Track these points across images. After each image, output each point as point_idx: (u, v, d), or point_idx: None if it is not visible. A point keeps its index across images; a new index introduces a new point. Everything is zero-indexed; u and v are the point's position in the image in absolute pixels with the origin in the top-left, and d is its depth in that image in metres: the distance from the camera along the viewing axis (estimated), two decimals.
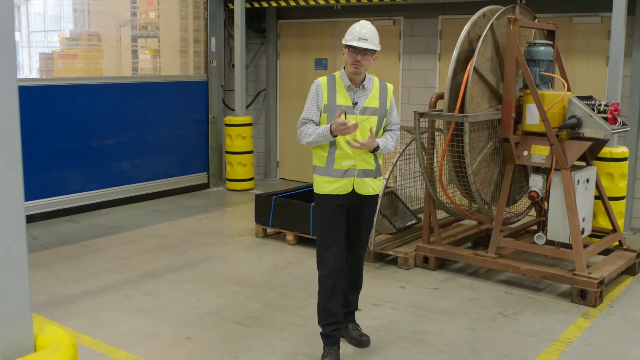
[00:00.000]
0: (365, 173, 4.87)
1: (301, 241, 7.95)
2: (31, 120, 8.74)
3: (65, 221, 9.09)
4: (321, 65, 11.44)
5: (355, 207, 4.96)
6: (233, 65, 11.58)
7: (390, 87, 5.05)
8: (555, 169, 6.47)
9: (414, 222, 8.02)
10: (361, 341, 5.28)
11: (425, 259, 7.14)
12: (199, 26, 11.30)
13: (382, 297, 6.34)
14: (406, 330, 5.59)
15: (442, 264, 7.21)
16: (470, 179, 6.54)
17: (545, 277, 6.47)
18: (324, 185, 4.88)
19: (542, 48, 6.82)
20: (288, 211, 7.94)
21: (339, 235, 4.93)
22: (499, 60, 6.86)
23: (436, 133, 7.12)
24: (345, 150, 4.78)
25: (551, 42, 7.01)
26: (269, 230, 8.26)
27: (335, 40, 11.28)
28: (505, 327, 5.68)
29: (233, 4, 11.09)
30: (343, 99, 4.82)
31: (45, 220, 9.01)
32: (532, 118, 6.67)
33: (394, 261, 7.32)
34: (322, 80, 4.90)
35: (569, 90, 6.82)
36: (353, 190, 4.86)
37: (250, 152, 11.24)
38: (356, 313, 5.67)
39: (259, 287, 6.52)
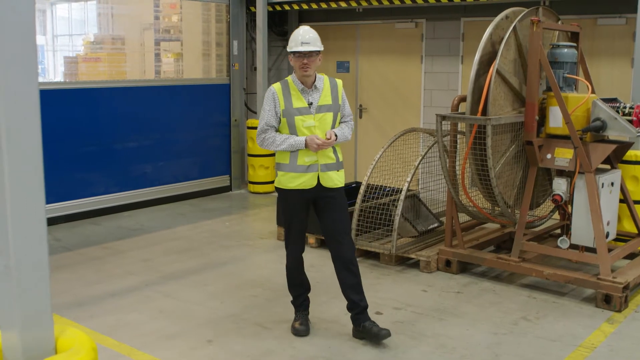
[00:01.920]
0: (328, 167, 5.28)
1: (322, 244, 7.93)
2: (55, 123, 8.82)
3: (89, 223, 9.16)
4: (343, 68, 11.43)
5: (324, 201, 5.34)
6: (255, 68, 11.60)
7: (339, 82, 5.47)
8: (579, 172, 6.40)
9: (436, 225, 7.98)
10: (380, 335, 5.29)
11: (448, 263, 7.10)
12: (221, 29, 11.34)
13: (404, 300, 6.31)
14: (428, 334, 5.56)
15: (465, 268, 7.16)
16: (493, 182, 6.49)
17: (569, 281, 6.40)
18: (289, 181, 5.26)
19: (566, 50, 6.75)
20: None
21: (301, 228, 5.46)
22: (522, 62, 6.80)
23: (458, 136, 7.08)
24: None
25: (575, 44, 6.95)
26: None
27: (357, 43, 11.27)
28: (528, 331, 5.63)
29: (255, 7, 11.11)
30: (298, 101, 5.21)
31: (69, 223, 9.08)
32: (555, 121, 6.61)
33: (416, 264, 7.29)
34: (276, 86, 5.27)
35: (593, 92, 6.75)
36: (318, 184, 5.25)
37: (273, 154, 11.23)
38: (378, 317, 5.67)
39: (280, 290, 6.51)
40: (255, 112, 11.53)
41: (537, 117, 6.58)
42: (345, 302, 5.53)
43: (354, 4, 10.39)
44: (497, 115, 6.51)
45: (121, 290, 6.61)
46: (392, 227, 7.38)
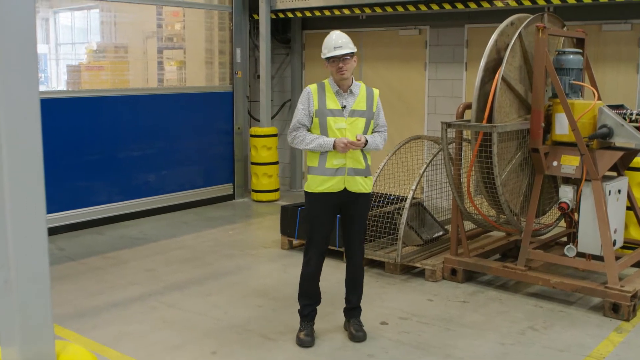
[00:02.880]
0: (356, 172, 5.30)
1: (330, 254, 7.83)
2: (58, 131, 8.78)
3: (91, 233, 9.11)
4: None
5: (348, 206, 5.38)
6: (258, 76, 11.56)
7: (376, 91, 5.52)
8: (585, 180, 6.35)
9: (441, 233, 7.91)
10: (355, 336, 5.55)
11: (453, 271, 7.03)
12: (224, 37, 11.31)
13: (410, 310, 6.24)
14: (434, 345, 5.49)
15: (470, 277, 7.10)
16: (499, 190, 6.44)
17: (576, 290, 6.34)
18: (318, 184, 5.29)
19: (572, 56, 6.70)
20: None
21: (325, 234, 5.44)
22: (527, 69, 6.75)
23: (464, 143, 7.03)
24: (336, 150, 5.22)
25: (581, 50, 6.90)
26: (295, 242, 8.21)
27: (361, 51, 11.22)
28: (535, 341, 5.56)
29: (258, 14, 11.09)
30: (332, 103, 5.28)
31: (71, 232, 9.02)
32: (561, 128, 6.56)
33: (421, 273, 7.22)
34: (312, 87, 5.36)
35: (599, 99, 6.70)
36: (345, 188, 5.28)
37: (276, 163, 11.20)
38: (383, 327, 5.62)
39: (285, 300, 6.45)
40: (259, 120, 11.49)
41: (543, 124, 6.52)
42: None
43: (357, 11, 10.35)
44: (503, 122, 6.45)
45: (124, 300, 6.55)
46: (396, 236, 7.32)
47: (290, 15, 11.17)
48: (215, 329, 5.84)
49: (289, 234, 8.17)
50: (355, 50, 5.30)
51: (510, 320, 6.02)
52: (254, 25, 11.59)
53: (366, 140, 5.26)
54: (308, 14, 10.92)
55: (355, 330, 5.58)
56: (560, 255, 6.72)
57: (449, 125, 6.78)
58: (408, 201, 7.20)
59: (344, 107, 5.29)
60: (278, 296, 6.62)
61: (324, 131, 5.28)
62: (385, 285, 6.95)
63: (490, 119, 6.44)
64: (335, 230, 5.78)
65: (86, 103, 9.40)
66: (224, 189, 11.28)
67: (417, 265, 7.18)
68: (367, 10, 10.26)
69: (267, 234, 9.08)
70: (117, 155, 9.73)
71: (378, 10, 10.12)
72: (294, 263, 7.68)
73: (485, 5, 9.06)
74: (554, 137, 6.63)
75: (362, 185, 5.35)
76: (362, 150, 5.32)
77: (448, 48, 10.31)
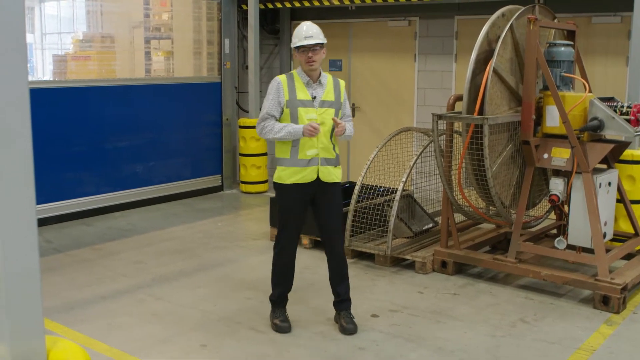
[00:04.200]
0: (328, 161, 5.36)
1: (317, 245, 7.84)
2: (44, 122, 8.69)
3: (79, 224, 9.03)
4: (336, 66, 11.34)
5: (321, 195, 5.44)
6: (247, 67, 11.48)
7: (342, 82, 5.59)
8: (576, 172, 6.34)
9: (431, 225, 7.89)
10: (346, 328, 5.55)
11: (444, 264, 7.02)
12: (213, 27, 11.22)
13: (400, 302, 6.23)
14: (425, 337, 5.48)
15: (460, 269, 7.09)
16: (490, 183, 6.42)
17: (566, 282, 6.34)
18: (290, 176, 5.33)
19: (563, 48, 6.68)
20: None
21: (299, 225, 5.53)
22: (518, 61, 6.73)
23: (454, 135, 7.00)
24: (309, 140, 5.26)
25: (572, 43, 6.88)
26: None
27: (350, 42, 11.18)
28: (526, 334, 5.56)
29: (247, 5, 11.01)
30: (303, 93, 5.33)
31: (59, 224, 8.95)
32: (552, 120, 6.54)
33: (411, 265, 7.21)
34: (282, 78, 5.38)
35: (590, 91, 6.69)
36: (317, 178, 5.33)
37: (265, 154, 11.15)
38: (374, 320, 5.60)
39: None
40: (247, 112, 11.42)
41: (534, 117, 6.51)
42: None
43: (346, 2, 10.30)
44: (494, 114, 6.43)
45: (112, 293, 6.50)
46: (386, 228, 7.30)
47: (279, 5, 11.10)
48: (205, 321, 5.80)
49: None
50: (325, 41, 5.36)
51: (500, 312, 6.01)
52: (243, 15, 11.50)
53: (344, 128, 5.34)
54: (297, 4, 10.85)
55: (345, 323, 5.57)
56: (550, 247, 6.73)
57: (440, 117, 6.75)
58: (398, 193, 7.17)
59: (314, 97, 5.35)
60: (267, 289, 6.51)
61: (294, 121, 5.30)
62: (375, 277, 6.93)
63: (481, 111, 6.42)
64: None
65: (73, 93, 9.30)
66: (213, 180, 11.22)
67: (408, 257, 7.16)
68: (357, 1, 10.21)
69: (256, 225, 9.03)
70: (105, 146, 9.64)
71: (368, 1, 10.07)
72: None
73: None
74: (545, 129, 6.62)
75: (334, 174, 5.43)
76: (331, 140, 5.39)
77: (437, 39, 10.27)
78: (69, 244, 8.09)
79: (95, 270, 7.17)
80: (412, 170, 7.54)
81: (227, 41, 11.13)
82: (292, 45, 5.37)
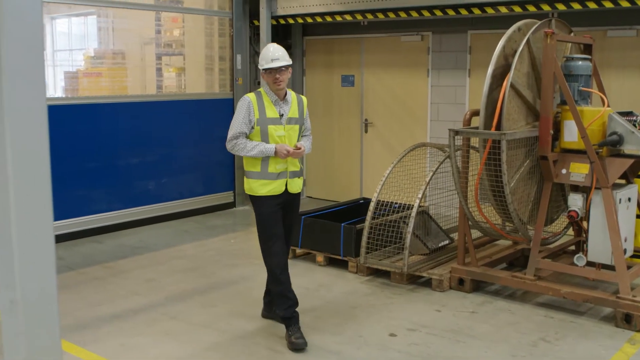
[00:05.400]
0: (294, 174, 5.70)
1: (331, 262, 7.76)
2: (56, 139, 8.61)
3: (90, 241, 8.97)
4: (348, 82, 11.28)
5: (287, 205, 5.75)
6: (259, 82, 11.43)
7: (304, 99, 5.93)
8: (595, 188, 6.24)
9: (447, 242, 7.79)
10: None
11: (461, 281, 6.91)
12: (225, 43, 11.20)
13: (418, 321, 6.12)
14: (445, 357, 5.38)
15: (478, 286, 6.98)
16: (508, 199, 6.32)
17: (587, 300, 6.22)
18: (261, 187, 5.60)
19: (581, 62, 6.60)
20: (318, 231, 7.76)
21: (280, 230, 5.68)
22: (535, 75, 6.65)
23: (470, 151, 6.91)
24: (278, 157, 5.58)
25: (589, 57, 6.79)
26: (298, 250, 8.08)
27: (362, 57, 11.12)
28: (548, 353, 5.45)
29: (259, 20, 10.98)
30: (271, 112, 5.59)
31: (70, 241, 8.88)
32: (570, 135, 6.45)
33: (427, 283, 7.11)
34: (251, 96, 5.62)
35: (608, 105, 6.60)
36: (286, 190, 5.64)
37: None
38: (392, 339, 5.52)
39: None
40: None
41: (551, 132, 6.42)
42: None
43: (359, 17, 10.24)
44: (512, 129, 6.34)
45: (125, 311, 6.42)
46: (401, 245, 7.21)
47: (291, 21, 11.06)
48: (220, 341, 5.71)
49: (292, 242, 8.01)
50: (290, 62, 5.64)
51: (520, 331, 5.90)
52: (255, 31, 11.46)
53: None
54: (309, 20, 10.81)
55: (295, 338, 5.60)
56: (569, 264, 6.62)
57: (456, 132, 6.67)
58: (414, 210, 7.08)
59: (281, 115, 5.62)
60: None
61: (264, 138, 5.57)
62: (391, 295, 6.82)
63: (498, 127, 6.33)
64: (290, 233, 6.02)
65: (84, 110, 9.26)
66: (225, 197, 11.15)
67: (424, 275, 7.06)
68: (369, 16, 10.15)
69: None
70: (116, 162, 9.59)
71: (380, 16, 10.01)
72: (298, 272, 7.55)
73: (490, 11, 8.96)
74: (563, 144, 6.53)
75: (299, 185, 5.79)
76: None
77: (451, 54, 10.21)
78: (81, 262, 8.03)
79: (108, 288, 7.10)
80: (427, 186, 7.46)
81: (239, 57, 11.09)
82: (260, 67, 5.62)
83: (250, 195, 5.72)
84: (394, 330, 5.90)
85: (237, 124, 5.56)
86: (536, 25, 6.57)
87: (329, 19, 10.52)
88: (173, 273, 7.60)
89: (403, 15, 9.76)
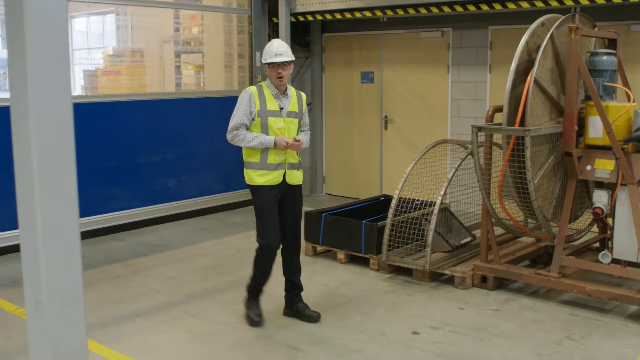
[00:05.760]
0: (293, 166, 5.88)
1: (352, 259, 7.72)
2: (76, 137, 8.63)
3: (111, 239, 8.98)
4: (367, 78, 11.22)
5: (287, 196, 5.91)
6: None
7: (303, 95, 6.09)
8: (621, 184, 6.15)
9: (469, 239, 7.73)
10: (311, 317, 6.03)
11: (484, 279, 6.85)
12: (244, 41, 11.17)
13: (441, 319, 6.06)
14: (469, 356, 5.32)
15: (501, 284, 6.91)
16: (532, 195, 6.25)
17: (612, 298, 6.15)
18: (259, 177, 5.78)
19: (605, 57, 6.51)
20: (339, 229, 7.72)
21: (276, 220, 5.88)
22: (559, 70, 6.57)
23: (492, 147, 6.83)
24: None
25: (614, 51, 6.70)
26: (319, 248, 8.05)
27: (381, 53, 11.06)
28: (574, 352, 5.38)
29: (277, 18, 10.94)
30: (272, 104, 5.78)
31: (91, 238, 8.89)
32: (595, 131, 6.37)
33: (449, 280, 7.04)
34: (253, 89, 5.80)
35: (633, 101, 6.50)
36: (284, 181, 5.82)
37: None
38: (415, 337, 5.47)
39: (312, 309, 6.28)
40: None
41: (576, 127, 6.34)
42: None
43: (379, 14, 10.18)
44: (535, 125, 6.27)
45: (147, 310, 6.41)
46: (423, 242, 7.15)
47: (310, 18, 11.00)
48: (242, 340, 5.69)
49: (313, 240, 8.01)
50: (293, 58, 5.83)
51: (545, 329, 5.83)
52: (274, 28, 11.43)
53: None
54: (328, 16, 10.76)
55: (309, 312, 6.04)
56: (594, 261, 6.54)
57: (479, 129, 6.60)
58: (436, 207, 7.02)
59: (281, 108, 5.81)
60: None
61: (264, 130, 5.75)
62: (413, 293, 6.77)
63: (522, 123, 6.26)
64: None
65: (104, 108, 9.25)
66: (244, 194, 11.09)
67: (446, 272, 7.00)
68: (389, 12, 10.08)
69: None
70: (136, 160, 9.58)
71: (400, 12, 9.95)
72: (319, 270, 7.53)
73: (511, 6, 8.87)
74: (588, 140, 6.44)
75: (298, 177, 5.96)
76: None
77: (471, 50, 10.12)
78: (102, 259, 8.03)
79: (129, 286, 7.09)
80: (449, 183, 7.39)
81: (258, 54, 11.05)
82: (263, 62, 5.80)
83: (249, 186, 5.91)
84: (417, 328, 5.85)
85: (238, 115, 5.74)
86: (560, 20, 6.48)
87: (348, 15, 10.46)
88: (194, 271, 7.59)
89: (423, 11, 9.69)
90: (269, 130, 5.74)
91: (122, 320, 6.14)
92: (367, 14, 10.26)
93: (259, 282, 6.02)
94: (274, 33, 11.43)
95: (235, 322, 6.05)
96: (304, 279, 7.14)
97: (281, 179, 5.82)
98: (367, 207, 8.61)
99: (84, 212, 8.66)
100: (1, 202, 7.45)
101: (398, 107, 10.99)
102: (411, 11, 9.81)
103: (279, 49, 5.75)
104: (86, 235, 8.85)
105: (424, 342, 5.55)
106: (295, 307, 6.07)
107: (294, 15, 10.98)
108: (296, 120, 5.91)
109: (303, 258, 7.88)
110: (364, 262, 7.58)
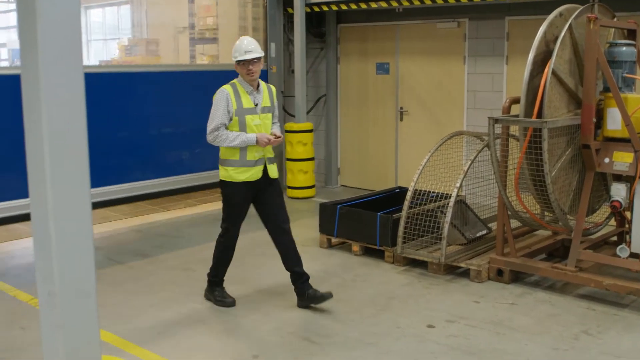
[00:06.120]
0: (270, 160, 6.05)
1: (367, 252, 7.68)
2: (94, 107, 8.26)
3: (126, 232, 8.98)
4: (383, 69, 11.15)
5: (266, 190, 6.07)
6: (293, 71, 11.37)
7: (273, 88, 6.26)
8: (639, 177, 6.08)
9: (484, 232, 7.67)
10: (324, 296, 6.10)
11: (499, 272, 6.79)
12: (258, 14, 11.05)
13: (456, 312, 6.02)
14: (485, 350, 5.27)
15: (517, 277, 6.85)
16: (549, 188, 6.18)
17: (630, 292, 6.08)
18: (240, 174, 5.92)
19: (625, 48, 6.41)
20: (354, 220, 7.68)
21: (243, 216, 6.15)
22: (577, 62, 6.48)
23: (510, 139, 6.77)
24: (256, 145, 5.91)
25: (633, 42, 6.61)
26: (334, 240, 8.01)
27: (397, 44, 10.99)
28: (591, 347, 5.32)
29: (292, 8, 10.89)
30: (247, 102, 5.92)
31: (108, 231, 8.87)
32: (614, 123, 6.28)
33: (465, 273, 6.99)
34: (228, 88, 5.90)
35: None
36: (263, 175, 5.99)
37: (312, 159, 11.01)
38: (430, 330, 5.45)
39: (327, 301, 6.25)
40: (294, 116, 11.29)
41: (594, 119, 6.26)
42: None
43: (394, 4, 10.11)
44: (553, 117, 6.19)
45: (162, 301, 6.41)
46: (439, 235, 7.10)
47: (325, 8, 10.95)
48: (256, 331, 5.67)
49: (328, 232, 7.97)
50: (262, 54, 5.94)
51: (562, 324, 5.77)
52: (289, 19, 11.39)
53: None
54: (344, 7, 10.69)
55: (320, 295, 6.09)
56: (611, 255, 6.46)
57: (496, 120, 6.53)
58: (452, 199, 6.97)
59: (256, 104, 5.95)
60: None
61: (242, 128, 5.89)
62: (429, 285, 6.73)
63: (539, 114, 6.19)
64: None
65: (120, 79, 9.05)
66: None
67: (462, 265, 6.95)
68: (405, 3, 10.01)
69: (304, 231, 8.85)
70: (149, 133, 9.37)
71: (415, 2, 9.87)
72: (334, 262, 7.50)
73: None
74: (606, 132, 6.36)
75: (275, 170, 6.12)
76: None
77: (488, 41, 10.03)
78: (117, 250, 8.04)
79: (144, 277, 7.10)
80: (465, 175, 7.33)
81: (273, 45, 11.01)
82: (234, 59, 5.90)
83: (224, 182, 6.02)
84: (432, 321, 5.81)
85: (217, 116, 5.83)
86: (578, 10, 6.39)
87: (363, 5, 10.40)
88: (209, 262, 7.55)
89: (439, 1, 9.62)
90: (247, 128, 5.89)
91: (137, 311, 6.15)
92: (383, 4, 10.20)
93: (223, 269, 6.32)
94: (289, 24, 11.39)
95: (249, 313, 6.04)
96: (318, 271, 7.15)
97: (261, 174, 5.97)
98: (382, 199, 8.57)
99: (101, 182, 8.60)
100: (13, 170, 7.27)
101: (414, 98, 10.93)
102: (427, 1, 9.74)
103: (248, 47, 5.87)
104: (104, 204, 8.75)
105: (439, 336, 5.51)
106: (306, 295, 6.11)
107: (309, 5, 10.93)
108: (270, 115, 6.08)
109: (317, 250, 7.95)
110: (379, 254, 7.54)
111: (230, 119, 5.87)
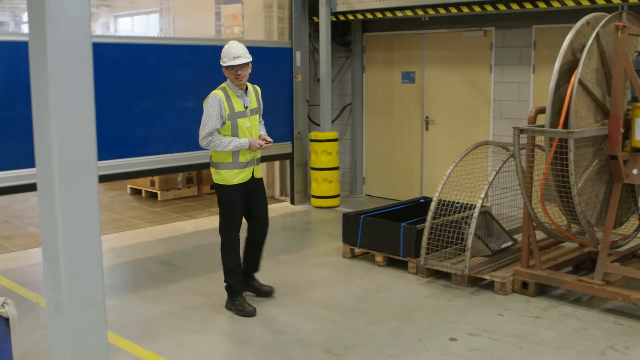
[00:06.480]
0: (257, 161, 6.30)
1: (391, 262, 7.60)
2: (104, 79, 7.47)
3: (144, 234, 8.99)
4: (409, 79, 11.08)
5: (254, 190, 6.30)
6: (318, 80, 11.34)
7: (258, 88, 6.41)
8: None
9: (509, 244, 7.56)
10: (270, 292, 6.67)
11: (524, 284, 6.68)
12: (284, 31, 11.04)
13: (480, 325, 5.92)
14: None
15: (542, 290, 6.73)
16: (575, 200, 6.07)
17: None
18: (233, 177, 6.11)
19: None
20: (377, 231, 7.61)
21: (240, 218, 6.28)
22: (604, 71, 6.38)
23: (535, 150, 6.66)
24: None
25: None
26: (357, 250, 7.95)
27: (423, 53, 10.92)
28: None
29: (318, 17, 10.87)
30: (238, 105, 6.10)
31: (130, 239, 8.89)
32: None
33: (489, 286, 6.89)
34: (220, 94, 6.03)
35: None
36: (252, 176, 6.22)
37: (336, 168, 10.96)
38: (453, 344, 5.36)
39: (348, 312, 6.20)
40: (319, 125, 11.26)
41: (622, 130, 6.14)
42: None
43: (420, 13, 10.05)
44: (580, 127, 6.09)
45: (181, 309, 6.38)
46: (463, 246, 7.01)
47: (350, 17, 10.92)
48: (276, 342, 5.62)
49: (351, 242, 7.91)
50: (251, 59, 6.04)
51: (588, 338, 5.65)
52: (314, 27, 11.37)
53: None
54: (369, 16, 10.65)
55: (265, 288, 6.65)
56: (639, 269, 6.33)
57: (521, 130, 6.44)
58: (477, 210, 6.87)
59: (246, 107, 6.14)
60: (341, 308, 6.37)
61: (234, 131, 6.06)
62: (452, 298, 6.64)
63: (565, 124, 6.09)
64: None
65: (134, 50, 8.65)
66: (284, 147, 10.70)
67: (486, 277, 6.85)
68: (430, 12, 9.95)
69: (327, 241, 8.82)
70: (175, 106, 9.09)
71: (441, 11, 9.80)
72: (357, 272, 7.43)
73: (556, 4, 8.67)
74: (634, 143, 6.23)
75: (260, 171, 6.39)
76: None
77: (514, 50, 9.93)
78: (136, 256, 8.04)
79: (163, 284, 7.08)
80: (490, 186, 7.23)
81: (298, 54, 10.98)
82: (222, 64, 6.04)
83: (219, 185, 6.18)
84: (455, 334, 5.72)
85: (211, 121, 5.97)
86: (606, 19, 6.29)
87: (389, 14, 10.35)
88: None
89: (465, 10, 9.54)
90: (239, 132, 6.08)
91: (156, 319, 6.13)
92: (409, 13, 10.14)
93: (235, 280, 6.30)
94: (314, 32, 11.37)
95: (269, 324, 6.00)
96: (340, 281, 7.11)
97: (250, 175, 6.21)
98: (407, 209, 8.49)
99: (121, 154, 8.47)
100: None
101: (439, 107, 10.84)
102: (453, 10, 9.66)
103: (236, 52, 5.99)
104: (105, 178, 8.40)
105: (461, 349, 5.42)
106: (251, 284, 6.64)
107: (335, 14, 10.91)
108: (257, 116, 6.32)
109: (341, 261, 7.91)
110: (402, 265, 7.46)
111: (223, 124, 6.02)
